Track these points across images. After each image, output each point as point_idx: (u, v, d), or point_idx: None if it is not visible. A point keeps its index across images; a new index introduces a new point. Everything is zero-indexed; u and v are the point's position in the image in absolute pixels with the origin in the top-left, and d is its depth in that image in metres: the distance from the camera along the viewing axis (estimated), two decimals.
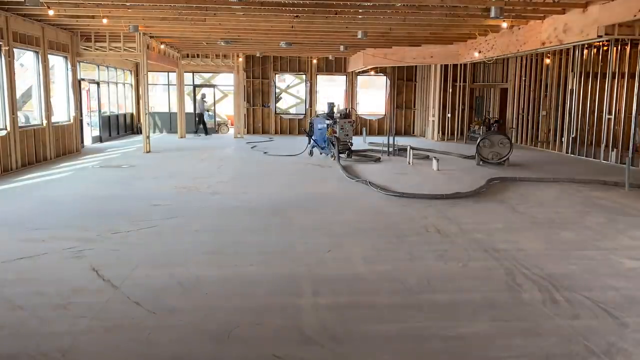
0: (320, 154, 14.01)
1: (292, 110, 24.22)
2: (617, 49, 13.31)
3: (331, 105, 14.44)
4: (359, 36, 12.91)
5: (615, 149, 13.22)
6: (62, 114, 13.92)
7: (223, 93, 24.81)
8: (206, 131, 20.83)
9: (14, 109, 11.07)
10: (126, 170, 11.57)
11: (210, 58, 19.99)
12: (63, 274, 4.88)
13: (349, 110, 14.97)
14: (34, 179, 10.11)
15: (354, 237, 6.24)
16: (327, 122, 13.49)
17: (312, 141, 14.18)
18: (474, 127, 19.28)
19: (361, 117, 21.88)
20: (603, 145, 13.61)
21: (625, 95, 13.18)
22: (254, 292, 4.50)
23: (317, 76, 21.97)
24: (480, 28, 12.85)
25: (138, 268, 5.04)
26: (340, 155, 13.08)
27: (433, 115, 19.67)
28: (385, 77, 21.92)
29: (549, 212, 7.68)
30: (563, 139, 15.46)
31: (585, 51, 14.49)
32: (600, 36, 9.34)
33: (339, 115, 13.78)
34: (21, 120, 12.43)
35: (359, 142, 16.70)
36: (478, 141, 12.62)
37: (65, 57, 13.96)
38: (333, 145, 13.18)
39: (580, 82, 14.66)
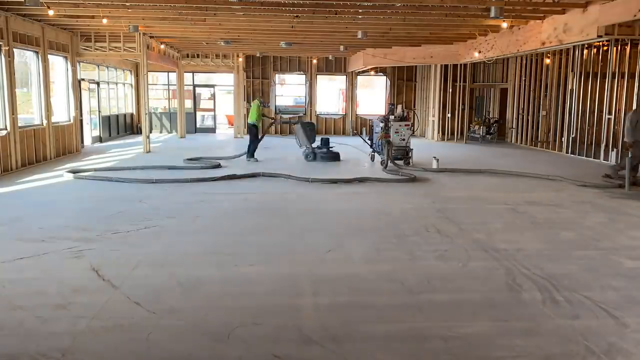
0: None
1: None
2: (617, 49, 13.30)
3: (391, 108, 13.79)
4: (359, 36, 12.90)
5: (615, 149, 13.21)
6: (62, 114, 13.91)
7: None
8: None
9: (14, 109, 11.07)
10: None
11: (210, 58, 19.98)
12: (63, 274, 4.87)
13: (407, 113, 14.00)
14: (33, 181, 10.08)
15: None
16: (381, 125, 12.70)
17: (372, 146, 13.48)
18: (474, 127, 19.28)
19: (361, 117, 21.90)
20: (603, 145, 13.61)
21: (625, 95, 13.17)
22: (254, 292, 4.51)
23: (317, 76, 21.97)
24: (480, 28, 12.85)
25: (138, 268, 5.04)
26: (396, 162, 12.11)
27: (433, 116, 19.65)
28: (385, 77, 21.91)
29: (545, 212, 7.68)
30: (563, 139, 15.45)
31: (585, 51, 14.48)
32: (600, 36, 9.34)
33: (393, 117, 13.06)
34: None
35: (358, 142, 16.66)
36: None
37: (65, 57, 13.95)
38: (383, 150, 12.26)
39: (580, 82, 14.65)
